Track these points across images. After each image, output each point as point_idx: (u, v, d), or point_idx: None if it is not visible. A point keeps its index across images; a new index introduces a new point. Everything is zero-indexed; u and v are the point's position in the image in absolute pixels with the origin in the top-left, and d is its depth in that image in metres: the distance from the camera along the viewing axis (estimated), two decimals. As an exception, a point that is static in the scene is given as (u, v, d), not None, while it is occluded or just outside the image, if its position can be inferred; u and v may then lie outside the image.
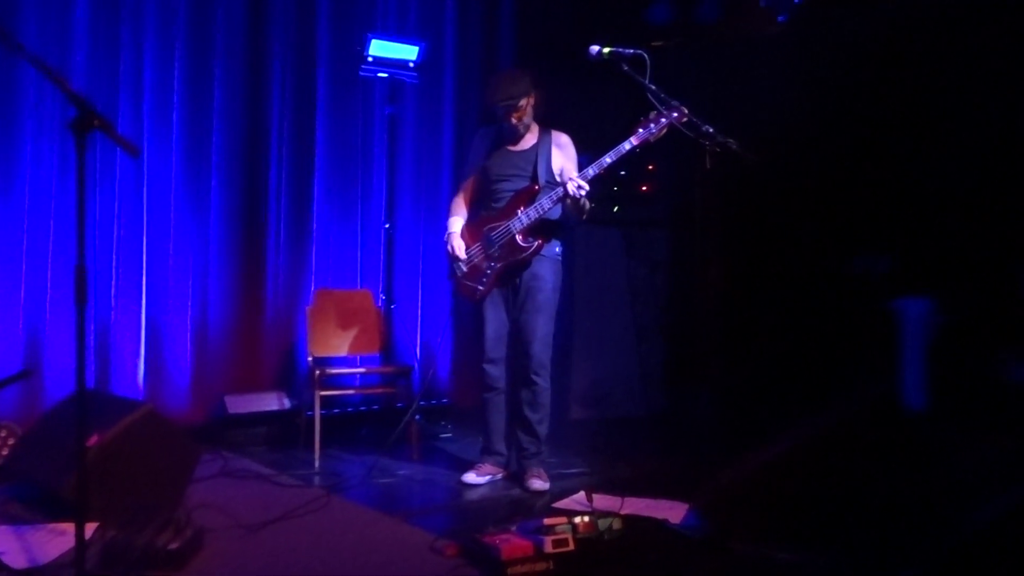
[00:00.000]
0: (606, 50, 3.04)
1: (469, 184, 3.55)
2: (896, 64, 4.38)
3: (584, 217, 3.45)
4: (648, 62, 2.96)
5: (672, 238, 5.07)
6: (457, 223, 3.51)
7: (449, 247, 3.46)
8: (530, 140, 3.44)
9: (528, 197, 3.34)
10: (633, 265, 5.00)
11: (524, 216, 3.30)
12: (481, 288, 3.40)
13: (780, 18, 4.69)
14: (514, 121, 3.36)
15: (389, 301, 4.41)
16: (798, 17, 4.65)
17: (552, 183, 3.38)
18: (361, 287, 4.53)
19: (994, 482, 2.79)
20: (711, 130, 2.89)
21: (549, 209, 3.31)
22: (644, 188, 5.03)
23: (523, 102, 3.34)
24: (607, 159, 3.19)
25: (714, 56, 4.86)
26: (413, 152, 4.78)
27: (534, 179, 3.35)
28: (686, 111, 3.06)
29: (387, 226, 4.48)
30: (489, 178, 3.45)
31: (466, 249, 3.42)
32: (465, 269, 3.43)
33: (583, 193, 3.25)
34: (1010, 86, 4.01)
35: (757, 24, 4.77)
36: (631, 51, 3.00)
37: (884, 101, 4.44)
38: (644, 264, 5.02)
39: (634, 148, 3.17)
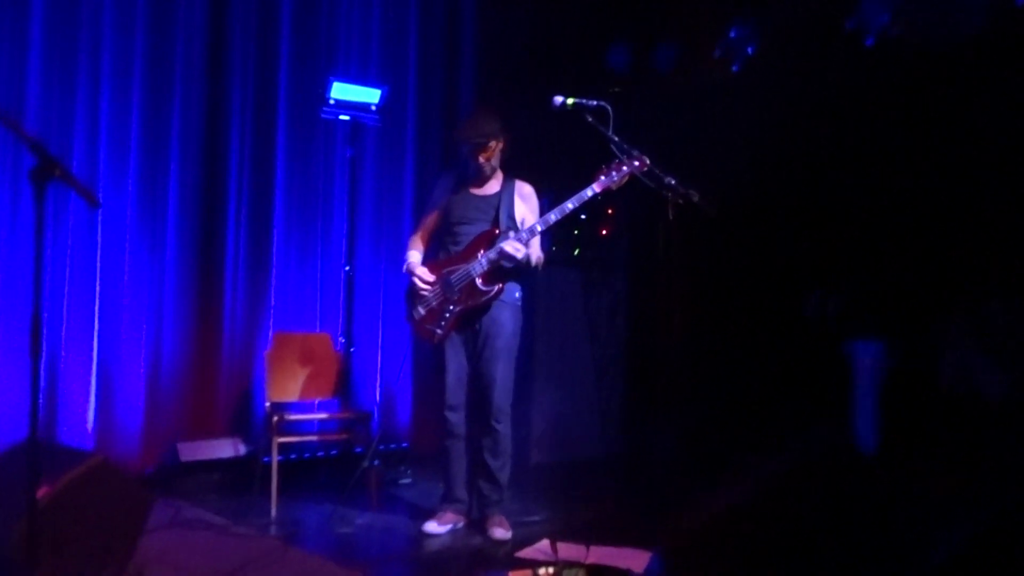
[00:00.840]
0: (570, 101, 3.09)
1: (429, 223, 3.55)
2: (847, 112, 4.53)
3: (539, 268, 3.47)
4: (611, 114, 3.02)
5: (631, 279, 5.13)
6: (415, 256, 3.50)
7: (414, 278, 3.41)
8: (494, 186, 3.46)
9: (488, 240, 3.34)
10: (593, 306, 5.03)
11: (484, 260, 3.31)
12: (439, 331, 3.38)
13: (734, 68, 4.83)
14: (481, 161, 3.38)
15: (349, 344, 4.36)
16: (751, 67, 4.80)
17: (512, 229, 3.40)
18: (320, 330, 4.50)
19: (946, 524, 2.88)
20: (673, 182, 2.96)
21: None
22: (604, 231, 5.11)
23: (493, 143, 3.37)
24: (568, 205, 3.21)
25: (671, 103, 4.99)
26: (374, 194, 4.78)
27: (495, 223, 3.36)
28: (647, 161, 3.12)
29: (347, 268, 4.43)
30: (450, 220, 3.42)
31: (427, 291, 3.40)
32: (423, 312, 3.41)
33: (519, 256, 3.28)
34: (960, 132, 4.17)
35: (711, 73, 4.91)
36: (595, 103, 3.05)
37: (834, 147, 4.58)
38: (604, 305, 5.06)
39: (596, 195, 3.21)
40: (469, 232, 3.38)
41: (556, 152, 4.57)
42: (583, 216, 5.00)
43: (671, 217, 2.96)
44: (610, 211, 5.11)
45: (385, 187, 4.81)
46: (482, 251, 3.33)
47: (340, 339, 4.39)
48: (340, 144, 4.61)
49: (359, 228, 4.68)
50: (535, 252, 3.43)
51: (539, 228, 3.28)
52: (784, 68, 4.68)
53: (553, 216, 3.23)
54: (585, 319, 4.99)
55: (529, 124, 4.41)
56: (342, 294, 4.51)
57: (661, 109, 4.89)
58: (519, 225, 3.41)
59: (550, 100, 3.10)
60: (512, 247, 3.24)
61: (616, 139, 3.09)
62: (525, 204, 3.45)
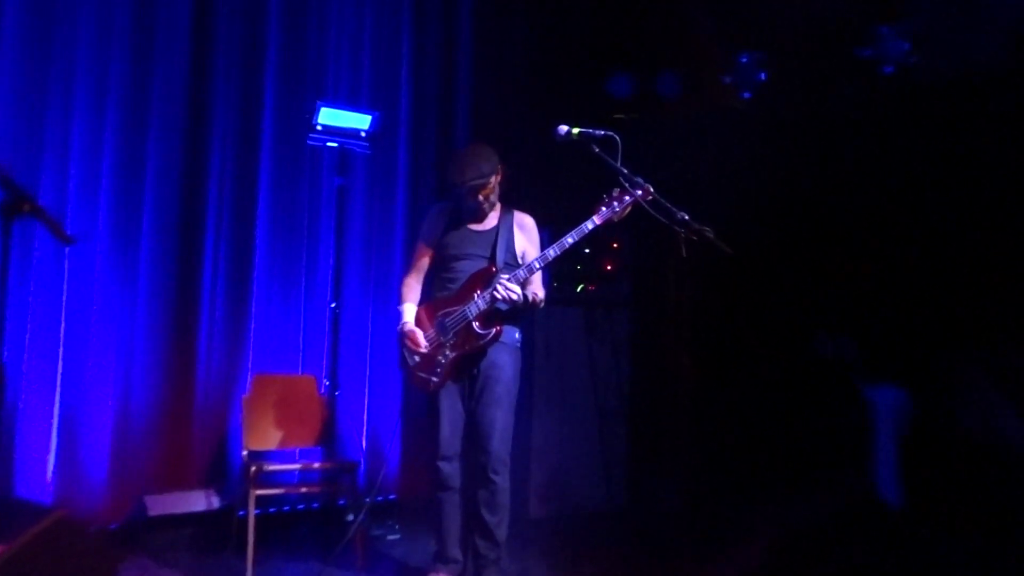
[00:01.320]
0: (575, 131, 3.02)
1: (422, 261, 3.49)
2: (865, 143, 4.51)
3: (540, 306, 3.41)
4: (619, 144, 2.96)
5: (636, 318, 5.07)
6: (410, 311, 3.42)
7: (407, 341, 3.36)
8: (492, 219, 3.39)
9: (485, 279, 3.27)
10: (595, 346, 4.97)
11: (481, 301, 3.25)
12: (435, 380, 3.29)
13: (744, 95, 4.80)
14: (481, 199, 3.33)
15: (334, 388, 4.24)
16: (762, 95, 4.78)
17: (511, 265, 3.34)
18: (304, 372, 4.40)
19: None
20: (686, 217, 2.87)
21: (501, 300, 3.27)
22: (608, 266, 5.05)
23: (492, 180, 3.32)
24: (568, 240, 3.16)
25: (676, 130, 4.96)
26: (363, 226, 4.71)
27: (492, 260, 3.33)
28: (650, 189, 3.05)
29: (333, 305, 4.33)
30: (445, 256, 3.38)
31: (424, 334, 3.34)
32: (417, 358, 3.33)
33: (514, 298, 3.23)
34: (982, 165, 4.14)
35: (720, 99, 4.88)
36: (601, 132, 2.99)
37: (852, 180, 4.55)
38: (607, 345, 5.01)
39: (597, 227, 3.15)
40: (465, 269, 3.34)
41: (558, 182, 4.54)
42: (586, 250, 4.96)
43: (684, 255, 2.87)
44: (615, 245, 5.05)
45: (375, 219, 4.75)
46: (478, 291, 3.26)
47: (325, 382, 4.29)
48: (327, 173, 4.55)
49: (347, 262, 4.60)
50: (535, 290, 3.37)
51: (537, 266, 3.23)
52: (797, 96, 4.67)
53: (552, 252, 3.17)
54: (587, 361, 4.91)
55: (528, 152, 4.38)
56: (327, 333, 4.41)
57: (667, 138, 4.88)
58: (519, 259, 3.36)
59: (553, 130, 3.03)
60: (505, 290, 3.19)
61: (625, 171, 3.02)
62: (525, 236, 3.43)
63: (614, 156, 2.98)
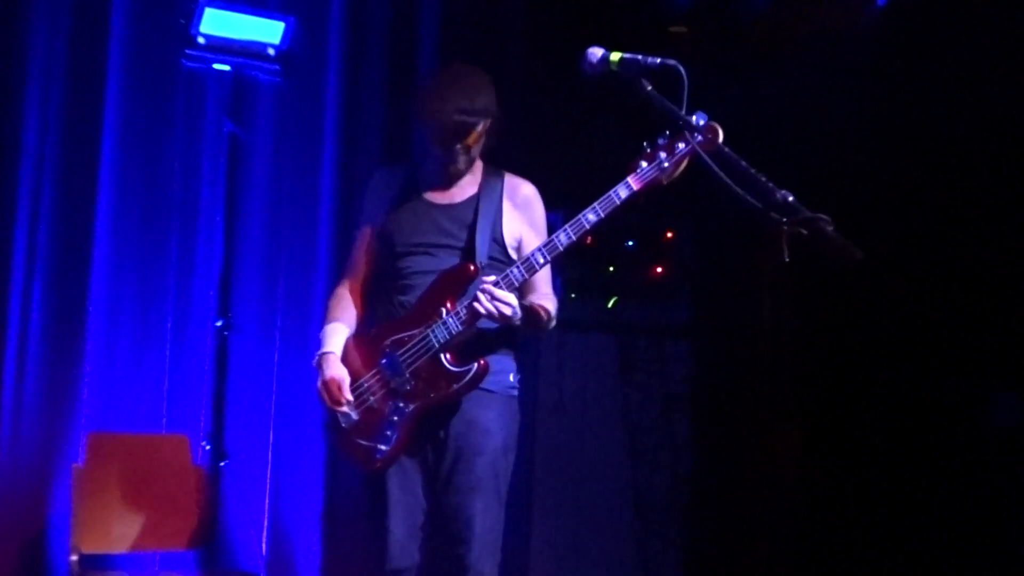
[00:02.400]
0: (615, 57, 2.96)
1: (361, 262, 3.47)
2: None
3: (549, 326, 3.40)
4: (685, 79, 2.91)
5: (702, 356, 5.11)
6: (336, 336, 3.38)
7: (322, 381, 3.31)
8: (468, 187, 3.38)
9: (459, 284, 3.25)
10: (635, 397, 5.01)
11: (453, 319, 3.21)
12: (384, 448, 3.22)
13: (879, 1, 4.82)
14: (458, 150, 3.29)
15: (218, 456, 4.21)
16: (900, 6, 4.78)
17: (500, 261, 3.31)
18: (170, 431, 4.41)
19: None
20: (790, 198, 2.81)
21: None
22: (658, 269, 5.08)
23: (482, 124, 3.28)
24: (590, 216, 3.11)
25: (760, 61, 5.01)
26: (269, 200, 4.72)
27: (469, 253, 3.31)
28: (719, 131, 3.00)
29: (219, 324, 4.30)
30: (393, 250, 3.35)
31: (355, 382, 3.30)
32: (355, 417, 3.28)
33: (507, 313, 3.18)
34: None
35: (833, 16, 4.90)
36: (658, 60, 2.93)
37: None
38: (653, 398, 5.03)
39: (635, 196, 3.13)
40: (424, 268, 3.33)
41: (578, 139, 4.52)
42: (628, 243, 4.98)
43: (786, 257, 2.83)
44: (669, 235, 5.08)
45: (288, 188, 4.76)
46: (448, 304, 3.22)
47: (204, 446, 4.28)
48: (213, 113, 4.57)
49: (242, 258, 4.60)
50: (542, 300, 3.36)
51: (541, 260, 3.18)
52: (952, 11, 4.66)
53: (564, 238, 3.14)
54: (621, 421, 4.95)
55: (533, 92, 4.35)
56: (209, 370, 4.40)
57: (751, 71, 4.91)
58: (512, 250, 3.35)
59: (581, 57, 2.98)
60: (491, 300, 3.14)
61: (690, 120, 2.98)
62: (521, 214, 3.43)
63: (677, 100, 2.93)
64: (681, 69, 2.91)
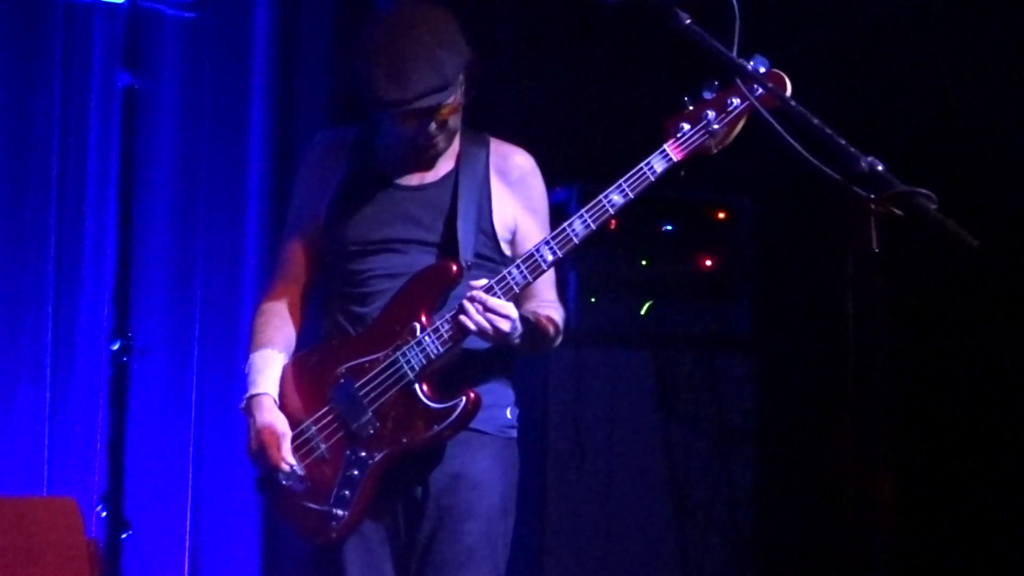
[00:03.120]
0: (642, -15, 2.98)
1: (298, 264, 3.47)
2: None
3: (555, 342, 3.43)
4: (738, 14, 2.91)
5: (769, 377, 5.12)
6: (269, 368, 3.36)
7: (254, 432, 3.30)
8: (443, 162, 3.40)
9: (436, 292, 3.28)
10: (679, 436, 5.01)
11: (429, 338, 3.22)
12: (341, 514, 3.22)
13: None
14: (433, 129, 3.30)
15: (118, 523, 4.19)
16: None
17: (490, 259, 3.34)
18: (52, 492, 4.44)
19: None
20: (879, 167, 2.82)
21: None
22: (707, 262, 5.10)
23: (453, 97, 3.28)
24: (615, 198, 3.15)
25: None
26: (179, 176, 4.78)
27: (449, 249, 3.33)
28: (786, 81, 3.02)
29: (115, 347, 4.28)
30: (345, 248, 3.38)
31: (298, 426, 3.30)
32: (300, 473, 3.27)
33: (503, 328, 3.18)
34: None
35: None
36: (703, -11, 2.94)
37: None
38: (704, 435, 5.05)
39: (674, 170, 3.15)
40: (391, 272, 3.35)
41: (588, 97, 4.54)
42: (668, 227, 4.99)
43: (874, 245, 2.84)
44: (721, 216, 5.08)
45: (204, 160, 4.81)
46: (423, 317, 3.24)
47: (98, 510, 4.26)
48: (101, 62, 4.61)
49: (144, 254, 4.64)
50: (544, 308, 3.37)
51: (549, 257, 3.19)
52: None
53: (581, 226, 3.17)
54: (662, 466, 4.95)
55: (531, 26, 4.34)
56: (104, 408, 4.40)
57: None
58: (503, 246, 3.38)
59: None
60: (482, 312, 3.14)
61: (741, 63, 2.99)
62: (516, 195, 3.46)
63: (726, 40, 2.93)
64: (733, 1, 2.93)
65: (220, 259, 4.83)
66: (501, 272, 3.20)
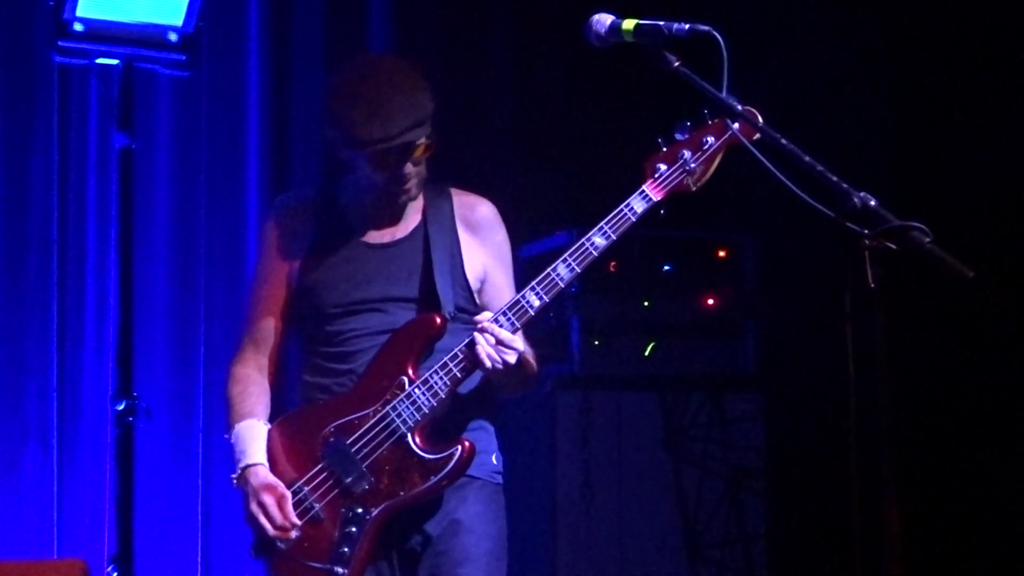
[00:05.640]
0: (628, 25, 3.01)
1: (269, 328, 3.48)
2: None
3: (535, 383, 3.46)
4: (724, 50, 2.95)
5: (778, 416, 5.14)
6: (257, 440, 3.36)
7: (256, 501, 3.30)
8: (411, 215, 3.45)
9: (419, 344, 3.32)
10: (689, 477, 5.02)
11: (423, 393, 3.25)
12: (340, 572, 3.20)
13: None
14: (408, 172, 3.32)
15: None
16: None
17: (467, 311, 3.37)
18: (62, 554, 4.45)
19: None
20: (872, 203, 2.86)
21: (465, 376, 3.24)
22: (709, 300, 5.11)
23: (425, 137, 3.28)
24: (596, 241, 3.18)
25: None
26: (178, 234, 4.82)
27: (428, 301, 3.36)
28: (757, 116, 3.04)
29: (120, 407, 4.31)
30: (323, 312, 3.41)
31: (292, 484, 3.29)
32: (295, 535, 3.27)
33: (511, 361, 3.20)
34: None
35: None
36: (686, 27, 2.98)
37: None
38: (713, 475, 5.05)
39: (654, 208, 3.21)
40: (372, 330, 3.38)
41: (580, 142, 4.57)
42: (666, 268, 5.02)
43: (871, 280, 2.88)
44: (721, 253, 5.12)
45: (203, 218, 4.85)
46: (410, 371, 3.28)
47: (109, 571, 4.28)
48: (97, 122, 4.66)
49: (146, 314, 4.67)
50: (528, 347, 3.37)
51: (536, 302, 3.21)
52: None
53: (566, 270, 3.21)
54: (672, 508, 4.97)
55: (518, 81, 4.40)
56: (111, 470, 4.41)
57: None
58: (475, 296, 3.42)
59: (586, 25, 3.03)
60: (494, 346, 3.15)
61: (735, 104, 3.02)
62: (482, 244, 3.50)
63: (715, 79, 2.97)
64: (718, 37, 2.95)
65: (221, 316, 4.84)
66: (517, 303, 3.24)
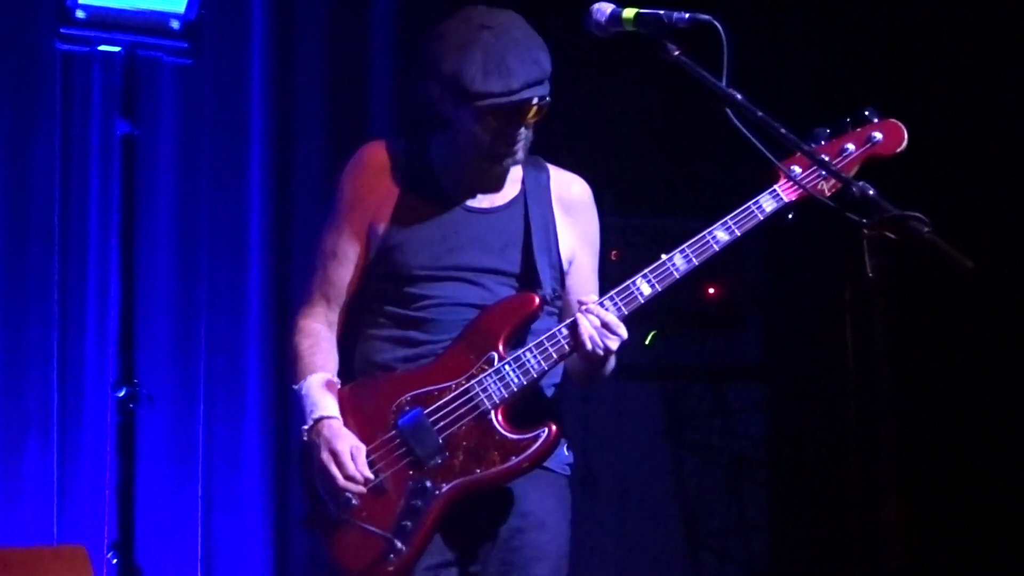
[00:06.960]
0: (628, 14, 3.02)
1: (343, 282, 3.39)
2: None
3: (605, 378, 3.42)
4: (724, 39, 2.96)
5: (780, 406, 5.17)
6: (329, 394, 3.28)
7: (329, 452, 3.19)
8: (509, 184, 3.38)
9: (515, 322, 3.27)
10: (691, 467, 5.06)
11: (515, 371, 3.21)
12: (399, 547, 3.15)
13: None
14: (520, 133, 3.25)
15: (129, 571, 4.17)
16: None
17: (558, 295, 3.35)
18: (62, 540, 4.46)
19: None
20: (870, 191, 2.87)
21: (556, 360, 3.19)
22: (710, 290, 5.12)
23: (541, 98, 3.23)
24: (718, 236, 3.23)
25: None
26: (180, 222, 4.82)
27: (527, 279, 3.33)
28: (904, 131, 3.11)
29: (121, 394, 4.30)
30: (408, 272, 3.32)
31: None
32: (355, 502, 3.19)
33: (614, 346, 3.17)
34: None
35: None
36: (685, 16, 2.99)
37: None
38: (715, 465, 5.09)
39: (782, 210, 3.24)
40: (460, 301, 3.31)
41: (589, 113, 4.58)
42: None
43: (869, 271, 2.88)
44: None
45: (205, 206, 4.85)
46: (500, 347, 3.24)
47: (109, 557, 4.23)
48: (100, 110, 4.66)
49: (148, 301, 4.66)
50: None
51: (647, 290, 3.24)
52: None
53: (683, 261, 3.25)
54: (674, 497, 5.03)
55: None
56: (112, 456, 4.39)
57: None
58: (565, 274, 3.39)
59: (586, 15, 3.03)
60: (599, 330, 3.12)
61: (737, 97, 3.01)
62: (575, 226, 3.47)
63: (714, 69, 2.97)
64: (717, 25, 2.95)
65: (223, 303, 4.85)
66: (621, 289, 3.23)
